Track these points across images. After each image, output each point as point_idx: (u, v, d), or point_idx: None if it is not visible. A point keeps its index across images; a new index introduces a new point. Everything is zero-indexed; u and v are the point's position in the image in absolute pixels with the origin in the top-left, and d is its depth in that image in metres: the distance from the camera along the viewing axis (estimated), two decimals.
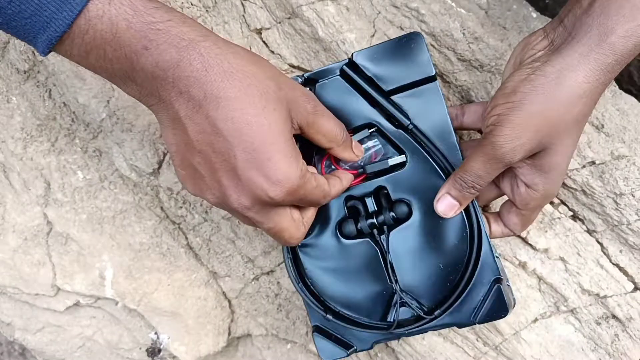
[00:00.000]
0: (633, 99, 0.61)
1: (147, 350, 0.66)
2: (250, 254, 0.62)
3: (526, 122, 0.43)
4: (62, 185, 0.62)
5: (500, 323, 0.59)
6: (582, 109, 0.42)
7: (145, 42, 0.37)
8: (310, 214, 0.48)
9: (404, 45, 0.50)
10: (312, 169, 0.47)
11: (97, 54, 0.38)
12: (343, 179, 0.50)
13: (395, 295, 0.52)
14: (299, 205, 0.45)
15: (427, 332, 0.53)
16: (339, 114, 0.50)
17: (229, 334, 0.64)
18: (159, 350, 0.66)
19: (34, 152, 0.61)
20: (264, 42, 0.57)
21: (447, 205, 0.49)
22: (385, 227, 0.52)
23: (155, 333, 0.65)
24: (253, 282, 0.63)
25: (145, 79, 0.39)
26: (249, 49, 0.57)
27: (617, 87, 0.61)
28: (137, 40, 0.37)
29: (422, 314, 0.51)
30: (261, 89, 0.39)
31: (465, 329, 0.60)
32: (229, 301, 0.64)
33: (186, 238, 0.63)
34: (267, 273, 0.63)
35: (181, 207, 0.61)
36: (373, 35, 0.56)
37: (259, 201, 0.41)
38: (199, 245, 0.63)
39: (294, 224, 0.45)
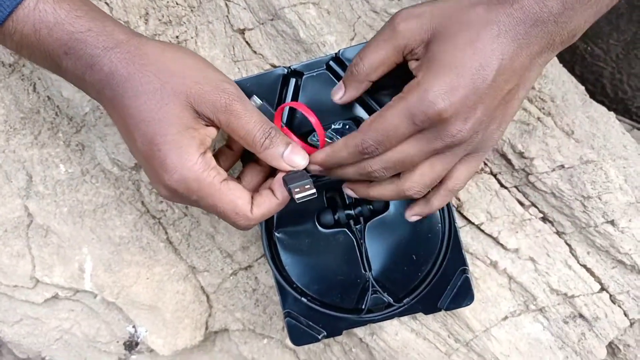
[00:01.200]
0: (603, 108, 0.63)
1: (124, 343, 0.67)
2: (229, 249, 0.63)
3: (423, 12, 0.43)
4: (44, 178, 0.62)
5: (471, 320, 0.60)
6: (477, 13, 0.40)
7: (65, 49, 0.42)
8: (265, 200, 0.46)
9: None
10: (233, 183, 0.45)
11: (28, 52, 0.43)
12: (278, 194, 0.46)
13: (368, 284, 0.54)
14: (208, 209, 0.45)
15: (394, 318, 0.56)
16: (323, 107, 0.52)
17: (207, 328, 0.65)
18: (137, 344, 0.66)
19: (16, 145, 0.62)
20: (247, 42, 0.58)
21: (335, 88, 0.49)
22: (361, 218, 0.54)
23: (133, 326, 0.66)
24: (231, 277, 0.64)
25: (72, 78, 0.44)
26: (229, 48, 0.58)
27: (587, 96, 0.63)
28: (58, 47, 0.42)
29: (392, 302, 0.54)
30: (158, 85, 0.42)
31: (437, 326, 0.61)
32: (207, 296, 0.65)
33: (166, 232, 0.64)
34: (245, 268, 0.64)
35: (162, 202, 0.62)
36: (352, 39, 0.58)
37: (170, 191, 0.43)
38: (178, 240, 0.64)
39: (236, 207, 0.44)
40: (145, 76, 0.42)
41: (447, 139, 0.42)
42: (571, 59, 0.80)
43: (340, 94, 0.48)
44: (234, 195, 0.44)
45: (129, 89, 0.42)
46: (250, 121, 0.44)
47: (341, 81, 0.48)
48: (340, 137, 0.53)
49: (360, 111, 0.53)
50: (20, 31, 0.41)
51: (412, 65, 0.44)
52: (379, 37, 0.45)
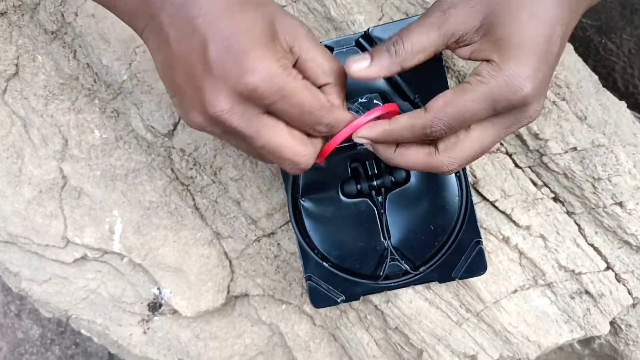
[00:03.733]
0: (615, 97, 0.66)
1: (148, 304, 0.70)
2: (254, 215, 0.65)
3: None
4: (79, 143, 0.65)
5: (483, 292, 0.63)
6: None
7: None
8: (318, 140, 0.43)
9: None
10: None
11: None
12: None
13: (387, 251, 0.57)
14: (288, 112, 0.40)
15: (410, 285, 0.59)
16: (350, 81, 0.55)
17: (228, 292, 0.68)
18: (160, 305, 0.69)
19: (54, 110, 0.65)
20: None
21: (357, 56, 0.43)
22: (383, 189, 0.57)
23: (158, 288, 0.69)
24: (254, 244, 0.67)
25: None
26: None
27: (600, 85, 0.66)
28: None
29: (409, 270, 0.57)
30: None
31: (449, 296, 0.64)
32: (230, 261, 0.68)
33: (193, 199, 0.67)
34: (269, 235, 0.67)
35: (192, 169, 0.65)
36: (380, 19, 0.61)
37: (238, 97, 0.37)
38: (205, 207, 0.67)
39: (295, 140, 0.41)
40: None
41: (525, 121, 0.40)
42: (585, 52, 0.83)
43: (363, 65, 0.42)
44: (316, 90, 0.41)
45: None
46: (328, 53, 0.43)
47: (367, 52, 0.43)
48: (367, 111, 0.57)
49: (385, 87, 0.56)
50: None
51: (465, 51, 0.41)
52: (426, 20, 0.40)
